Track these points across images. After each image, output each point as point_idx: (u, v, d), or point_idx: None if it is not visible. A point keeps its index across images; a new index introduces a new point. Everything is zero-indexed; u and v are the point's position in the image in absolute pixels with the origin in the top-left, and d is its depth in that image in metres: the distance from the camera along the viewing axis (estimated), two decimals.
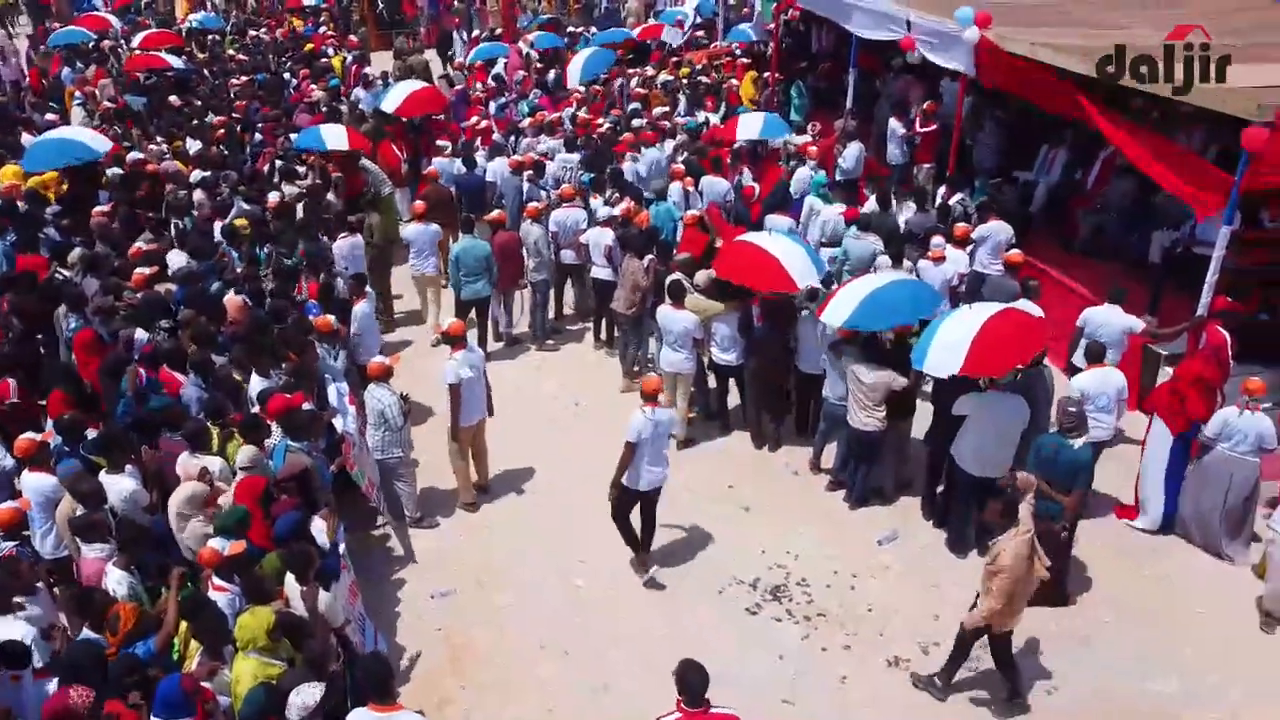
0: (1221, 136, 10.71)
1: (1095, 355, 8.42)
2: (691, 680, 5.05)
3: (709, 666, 5.09)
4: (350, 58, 20.61)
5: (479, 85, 18.37)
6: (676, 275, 9.60)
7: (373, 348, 9.76)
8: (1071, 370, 9.37)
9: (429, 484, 9.21)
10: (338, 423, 8.11)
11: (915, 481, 9.03)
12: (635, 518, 8.00)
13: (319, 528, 6.72)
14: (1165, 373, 9.65)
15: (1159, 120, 11.90)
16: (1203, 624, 7.50)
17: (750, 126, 13.42)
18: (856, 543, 8.46)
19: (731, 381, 9.98)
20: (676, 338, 9.33)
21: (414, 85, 15.71)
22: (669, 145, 14.01)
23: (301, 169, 13.61)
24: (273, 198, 12.03)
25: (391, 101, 15.01)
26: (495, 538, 8.65)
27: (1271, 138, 7.89)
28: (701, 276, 9.75)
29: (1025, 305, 9.09)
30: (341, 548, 7.04)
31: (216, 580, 6.10)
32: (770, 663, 7.22)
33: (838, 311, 8.20)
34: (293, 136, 14.42)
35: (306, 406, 7.81)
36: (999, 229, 10.87)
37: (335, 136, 13.28)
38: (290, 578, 6.12)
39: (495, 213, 11.82)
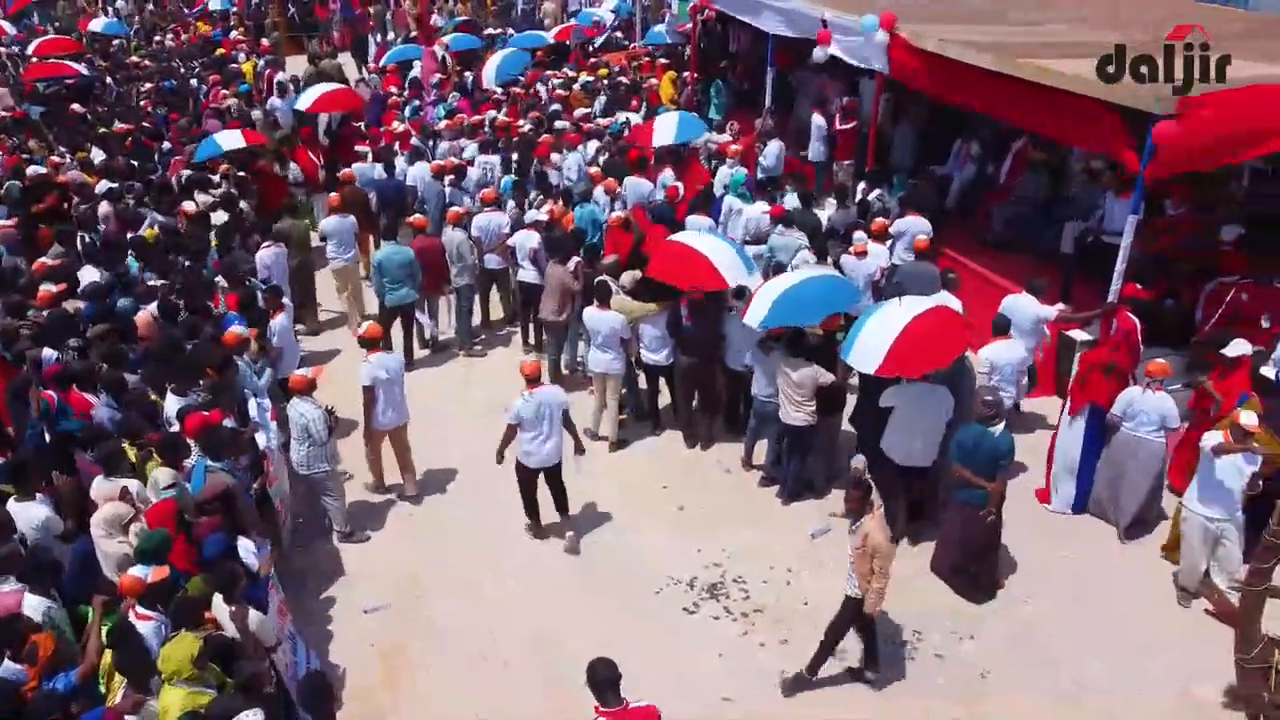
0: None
1: (1001, 329, 8.88)
2: (600, 679, 5.04)
3: (649, 667, 5.10)
4: (262, 63, 20.12)
5: (394, 89, 18.10)
6: (603, 277, 9.58)
7: (291, 361, 9.54)
8: None
9: (358, 497, 9.05)
10: (260, 439, 7.90)
11: (845, 474, 9.15)
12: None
13: (248, 548, 6.53)
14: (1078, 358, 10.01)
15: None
16: (1121, 601, 7.74)
17: (666, 130, 13.43)
18: (791, 538, 8.54)
19: (662, 381, 9.99)
20: (604, 339, 9.33)
21: (327, 86, 15.63)
22: (592, 146, 13.98)
23: (215, 177, 13.24)
24: (188, 207, 11.68)
25: (305, 100, 15.20)
26: (426, 548, 8.52)
27: (1179, 127, 8.17)
28: (628, 278, 9.76)
29: (945, 298, 9.31)
30: (270, 568, 6.87)
31: (140, 609, 5.88)
32: (709, 661, 7.25)
33: (756, 311, 8.30)
34: None
35: (228, 423, 7.60)
36: (916, 224, 11.11)
37: (230, 138, 13.31)
38: (218, 599, 5.94)
39: (415, 217, 11.67)
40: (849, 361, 7.93)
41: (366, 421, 8.71)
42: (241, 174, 13.12)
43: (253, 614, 5.94)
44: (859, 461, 6.94)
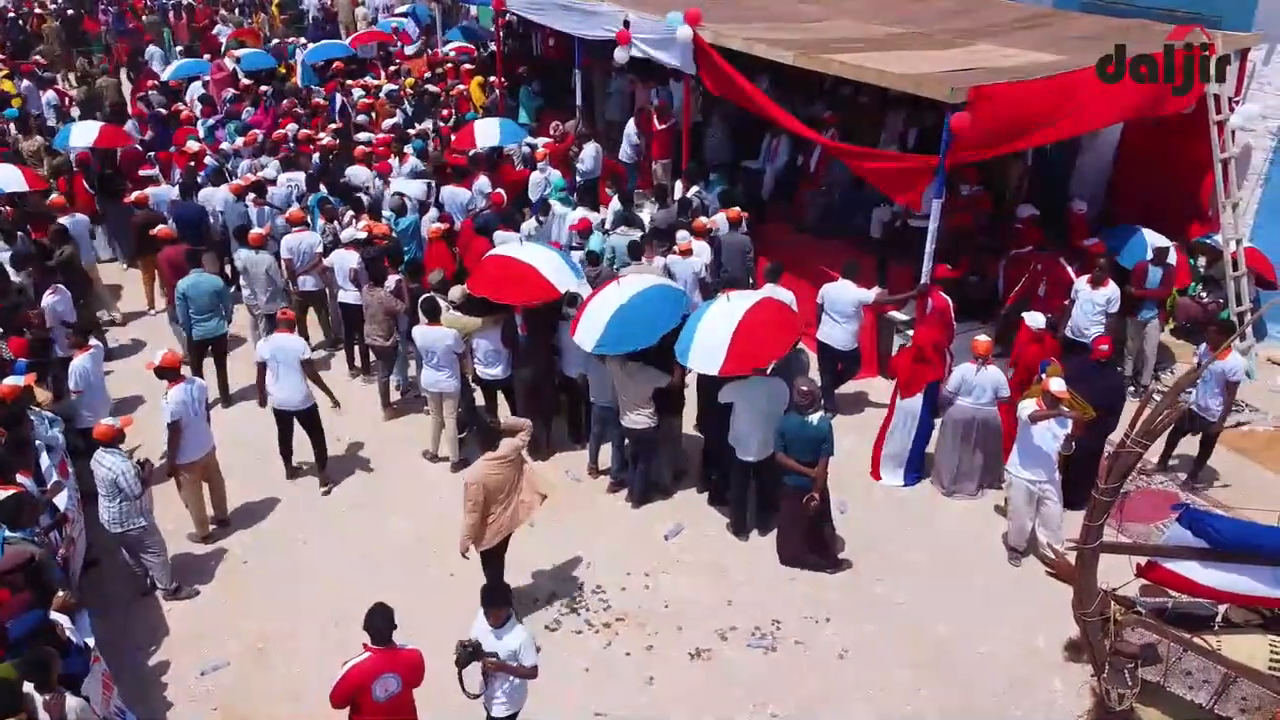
0: (921, 119, 11.74)
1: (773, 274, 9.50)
2: (376, 623, 5.57)
3: None
4: (25, 84, 18.42)
5: (183, 106, 16.93)
6: (431, 293, 9.26)
7: (99, 406, 8.75)
8: (820, 346, 9.96)
9: (182, 550, 8.39)
10: (60, 499, 7.18)
11: (691, 471, 9.23)
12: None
13: (65, 623, 5.90)
14: (898, 339, 10.49)
15: (867, 105, 12.83)
16: (964, 566, 8.13)
17: (488, 134, 13.20)
18: (644, 541, 8.52)
19: (500, 395, 9.76)
20: (438, 357, 9.02)
21: (94, 126, 14.45)
22: (411, 161, 13.51)
23: None
24: None
25: (80, 137, 13.96)
26: (264, 597, 7.97)
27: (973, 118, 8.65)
28: (456, 292, 9.47)
29: (772, 289, 9.52)
30: (90, 639, 6.25)
31: None
32: (577, 677, 7.12)
33: (589, 333, 8.15)
34: None
35: (26, 482, 6.86)
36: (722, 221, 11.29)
37: (8, 178, 12.27)
38: (30, 687, 5.33)
39: (160, 228, 11.21)
40: (689, 365, 7.97)
41: (170, 459, 8.11)
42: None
43: (70, 701, 5.36)
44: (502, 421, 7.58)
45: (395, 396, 10.63)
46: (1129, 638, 4.73)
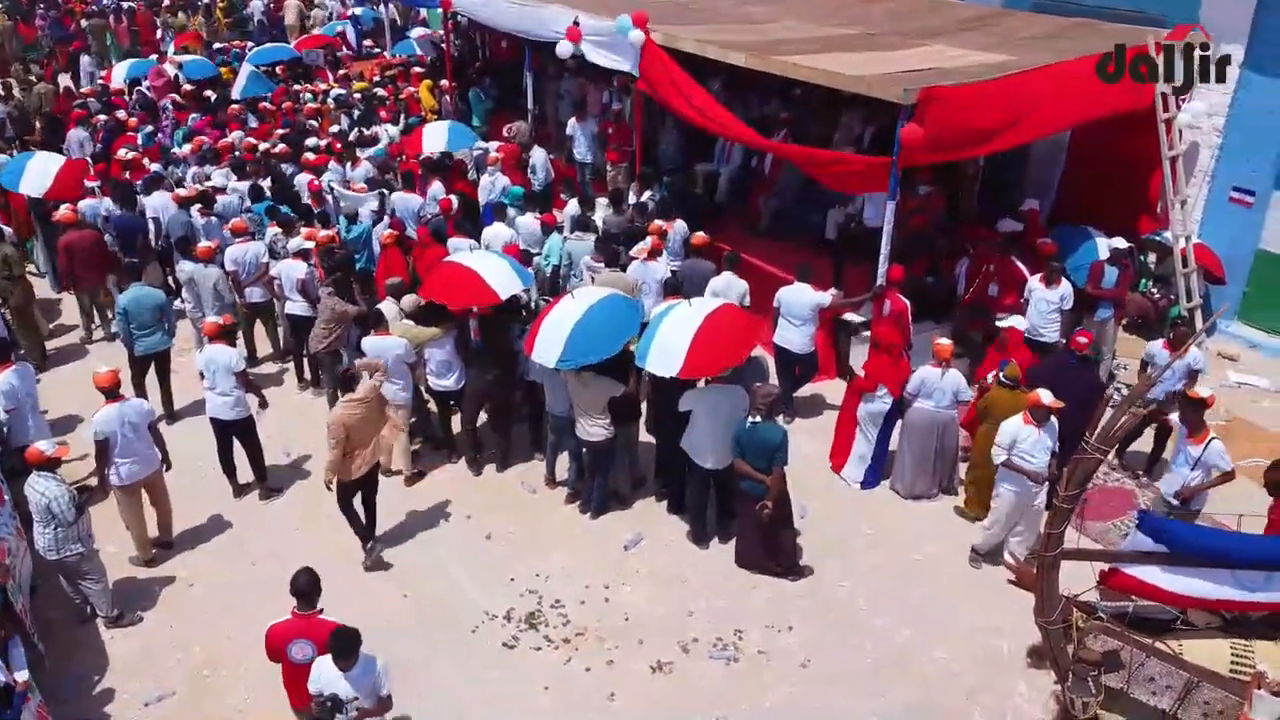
0: (876, 118, 11.71)
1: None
2: (299, 585, 5.87)
3: (474, 712, 4.76)
4: None
5: (123, 112, 16.47)
6: (385, 301, 9.06)
7: (27, 428, 8.44)
8: (777, 350, 9.88)
9: (124, 574, 8.10)
10: None
11: (649, 480, 9.11)
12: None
13: None
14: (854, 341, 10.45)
15: (822, 106, 12.80)
16: (925, 570, 8.09)
17: (437, 138, 13.00)
18: (603, 553, 8.38)
19: (454, 405, 9.57)
20: (389, 368, 8.79)
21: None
22: (364, 167, 13.25)
23: None
24: None
25: (31, 184, 12.22)
26: (211, 621, 7.71)
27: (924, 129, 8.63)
28: (409, 301, 9.28)
29: (729, 279, 9.44)
30: (21, 674, 5.98)
31: None
32: (536, 696, 6.96)
33: (548, 350, 7.98)
34: None
35: None
36: (677, 228, 11.19)
37: None
38: None
39: (63, 209, 10.94)
40: (648, 368, 7.85)
41: (100, 478, 7.78)
42: None
43: None
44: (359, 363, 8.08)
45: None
46: (1091, 644, 4.68)
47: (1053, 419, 7.45)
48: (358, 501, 8.14)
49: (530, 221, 11.42)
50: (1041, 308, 9.71)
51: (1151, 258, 11.33)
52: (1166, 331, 9.25)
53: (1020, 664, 6.41)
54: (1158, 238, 11.09)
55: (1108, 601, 5.14)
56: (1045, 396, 7.39)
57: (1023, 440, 7.46)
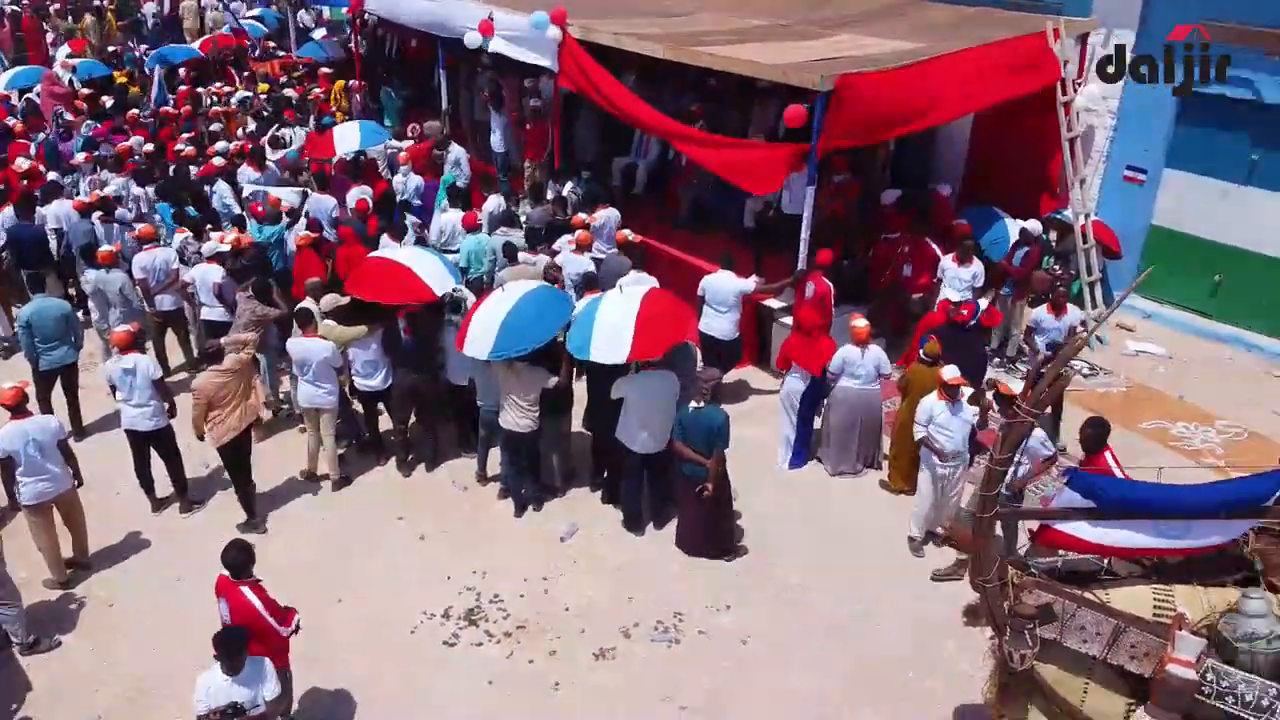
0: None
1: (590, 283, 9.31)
2: (230, 559, 5.97)
3: (419, 712, 4.69)
4: None
5: (9, 120, 15.75)
6: (305, 302, 8.86)
7: None
8: (703, 338, 9.97)
9: (40, 598, 7.76)
10: None
11: (583, 471, 9.11)
12: None
13: None
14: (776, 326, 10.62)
15: (737, 96, 12.97)
16: (857, 543, 8.24)
17: (348, 138, 12.78)
18: (540, 545, 8.35)
19: (381, 406, 9.42)
20: (314, 370, 8.62)
21: None
22: (270, 166, 12.94)
23: None
24: None
25: None
26: (136, 641, 7.40)
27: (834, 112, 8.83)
28: (328, 300, 9.10)
29: (638, 277, 9.50)
30: None
31: None
32: (481, 691, 6.90)
33: (481, 343, 7.94)
34: None
35: None
36: (612, 215, 11.27)
37: None
38: None
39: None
40: (592, 357, 7.84)
41: (10, 499, 7.52)
42: None
43: None
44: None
45: (266, 415, 10.12)
46: (1026, 599, 4.86)
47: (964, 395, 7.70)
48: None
49: (450, 218, 11.30)
50: (955, 285, 10.03)
51: (1053, 235, 11.79)
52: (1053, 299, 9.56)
53: (951, 626, 6.55)
54: (1058, 216, 11.54)
55: (1038, 558, 5.36)
56: (948, 373, 7.62)
57: (938, 416, 7.69)
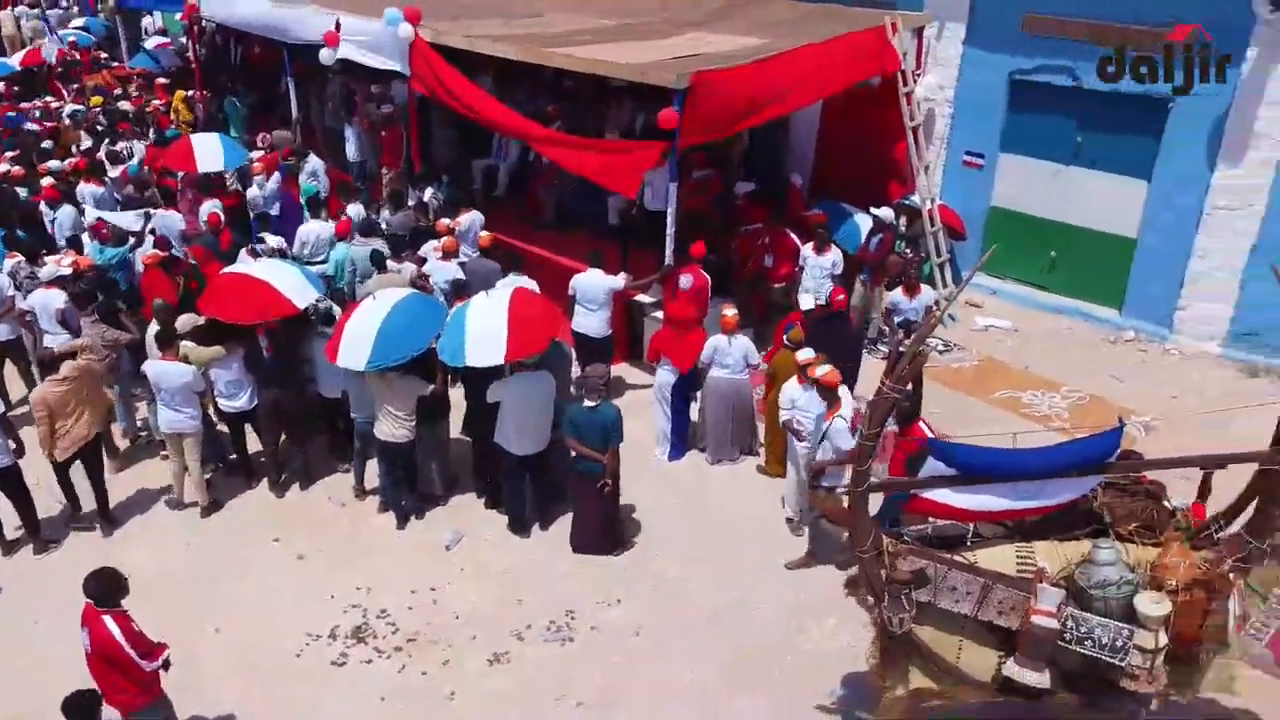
0: (647, 106, 12.07)
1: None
2: (92, 588, 5.72)
3: None
4: None
5: None
6: (160, 325, 8.49)
7: None
8: (576, 336, 10.03)
9: None
10: None
11: (463, 477, 9.04)
12: None
13: None
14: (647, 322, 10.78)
15: (591, 97, 13.06)
16: (735, 529, 8.43)
17: (209, 156, 12.21)
18: (425, 555, 8.25)
19: (248, 426, 9.11)
20: (175, 394, 8.26)
21: None
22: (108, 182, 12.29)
23: None
24: None
25: None
26: (6, 688, 6.99)
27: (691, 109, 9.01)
28: (184, 321, 8.73)
29: (522, 280, 9.49)
30: None
31: None
32: (373, 709, 6.78)
33: (355, 353, 7.79)
34: None
35: None
36: (476, 219, 11.20)
37: None
38: None
39: None
40: (468, 362, 7.78)
41: None
42: None
43: None
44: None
45: (123, 444, 9.65)
46: (901, 565, 5.12)
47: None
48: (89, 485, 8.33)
49: (315, 228, 11.00)
50: (815, 274, 10.40)
51: (903, 221, 12.33)
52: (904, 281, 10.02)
53: (831, 601, 6.82)
54: (906, 202, 12.08)
55: (910, 526, 5.65)
56: (803, 357, 7.87)
57: (799, 400, 7.93)
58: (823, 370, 7.51)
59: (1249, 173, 10.26)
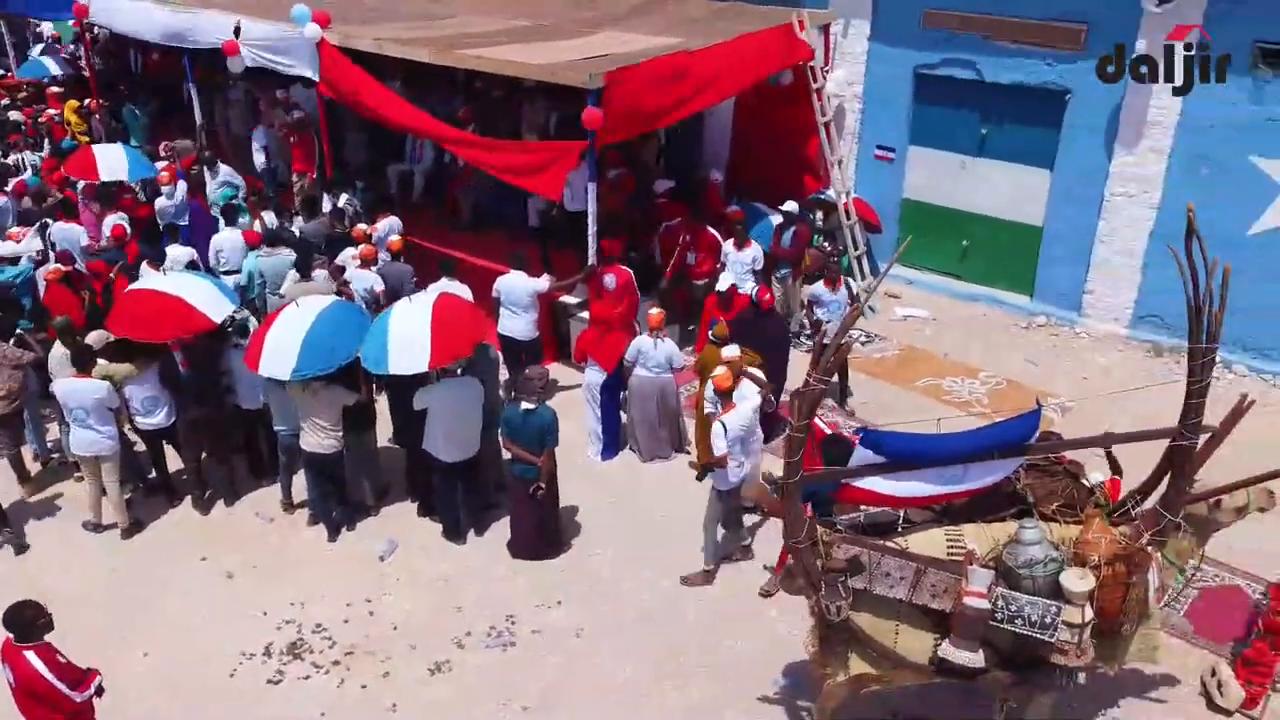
0: (561, 106, 12.09)
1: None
2: (11, 621, 5.51)
3: None
4: None
5: None
6: (70, 343, 8.19)
7: None
8: (502, 340, 9.98)
9: None
10: None
11: (395, 486, 8.94)
12: None
13: None
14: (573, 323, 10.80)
15: (503, 98, 13.00)
16: (666, 527, 8.43)
17: (114, 166, 11.78)
18: (358, 566, 8.14)
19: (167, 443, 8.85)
20: (89, 415, 7.98)
21: None
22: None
23: None
24: None
25: None
26: None
27: (606, 108, 9.06)
28: (94, 337, 8.45)
29: (451, 285, 9.42)
30: None
31: None
32: None
33: (280, 362, 7.65)
34: None
35: None
36: (391, 224, 11.06)
37: None
38: None
39: None
40: (391, 370, 7.69)
41: None
42: None
43: None
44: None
45: (35, 468, 9.28)
46: (836, 554, 5.25)
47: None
48: None
49: (228, 238, 10.73)
50: (737, 269, 10.55)
51: (819, 215, 12.59)
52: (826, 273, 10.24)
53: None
54: (822, 196, 12.33)
55: (842, 515, 5.79)
56: (727, 353, 7.93)
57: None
58: (718, 372, 7.58)
59: (1144, 160, 10.74)
